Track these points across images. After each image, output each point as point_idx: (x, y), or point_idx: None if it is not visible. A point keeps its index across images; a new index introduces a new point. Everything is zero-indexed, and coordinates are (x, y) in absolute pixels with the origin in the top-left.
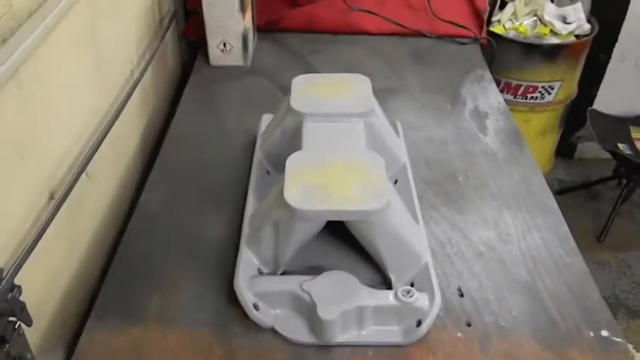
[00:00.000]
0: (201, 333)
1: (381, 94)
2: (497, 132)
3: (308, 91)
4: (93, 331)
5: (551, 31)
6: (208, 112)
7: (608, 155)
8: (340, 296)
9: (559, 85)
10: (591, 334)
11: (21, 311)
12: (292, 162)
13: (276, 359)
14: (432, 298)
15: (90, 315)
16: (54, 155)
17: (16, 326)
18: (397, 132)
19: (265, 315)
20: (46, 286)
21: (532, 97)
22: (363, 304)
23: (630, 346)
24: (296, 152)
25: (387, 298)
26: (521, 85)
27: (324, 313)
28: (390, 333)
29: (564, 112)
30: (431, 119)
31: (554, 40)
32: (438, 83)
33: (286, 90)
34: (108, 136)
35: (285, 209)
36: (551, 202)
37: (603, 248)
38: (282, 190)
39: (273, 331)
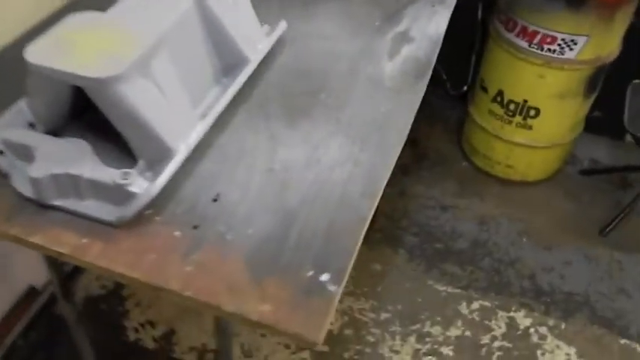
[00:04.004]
0: None
1: None
2: (406, 60)
3: None
4: None
5: None
6: None
7: None
8: (63, 160)
9: (585, 42)
10: (310, 273)
11: None
12: (70, 19)
13: None
14: (150, 187)
15: None
16: None
17: None
18: (270, 31)
19: (7, 162)
20: None
21: (549, 50)
22: (76, 172)
23: (573, 350)
24: (81, 12)
25: (105, 174)
26: (538, 32)
27: (34, 170)
28: (105, 210)
29: (592, 76)
30: (346, 32)
31: None
32: None
33: None
34: None
35: None
36: (397, 144)
37: (602, 243)
38: None
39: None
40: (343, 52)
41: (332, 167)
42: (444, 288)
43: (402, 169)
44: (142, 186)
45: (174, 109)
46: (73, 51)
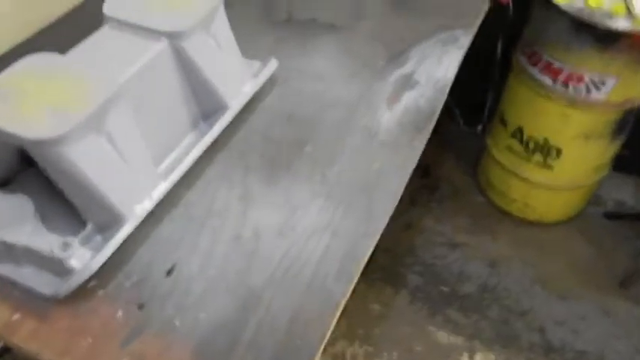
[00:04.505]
0: None
1: (315, 29)
2: (407, 110)
3: None
4: None
5: (628, 10)
6: None
7: None
8: (3, 223)
9: (614, 83)
10: None
11: None
12: (26, 62)
13: None
14: (92, 260)
15: None
16: None
17: None
18: (258, 72)
19: None
20: None
21: (575, 89)
22: (11, 240)
23: None
24: (40, 53)
25: (43, 243)
26: (563, 70)
27: None
28: (44, 280)
29: (621, 119)
30: (344, 72)
31: (620, 24)
32: (394, 33)
33: None
34: None
35: None
36: (386, 210)
37: (622, 296)
38: None
39: None
40: (338, 96)
41: (308, 237)
42: (445, 336)
43: (411, 200)
44: (84, 258)
45: (130, 168)
46: (20, 103)
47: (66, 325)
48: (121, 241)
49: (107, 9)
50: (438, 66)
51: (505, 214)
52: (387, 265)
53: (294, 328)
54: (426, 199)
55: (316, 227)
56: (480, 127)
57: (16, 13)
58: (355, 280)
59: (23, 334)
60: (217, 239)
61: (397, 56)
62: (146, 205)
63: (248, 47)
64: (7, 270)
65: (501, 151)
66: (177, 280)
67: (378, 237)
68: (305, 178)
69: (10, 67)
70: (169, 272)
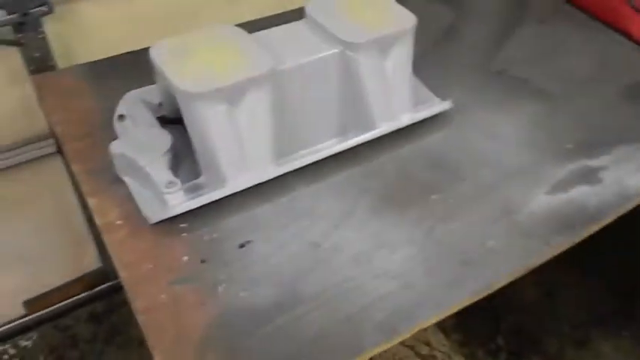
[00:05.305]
0: None
1: (522, 90)
2: (570, 204)
3: (350, 2)
4: None
5: None
6: None
7: None
8: (140, 146)
9: None
10: None
11: None
12: (213, 29)
13: None
14: (181, 205)
15: None
16: None
17: None
18: (428, 105)
19: (122, 128)
20: None
21: None
22: (141, 163)
23: None
24: (229, 25)
25: (159, 176)
26: None
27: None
28: (151, 203)
29: None
30: (524, 141)
31: None
32: (608, 122)
33: None
34: None
35: None
36: (472, 292)
37: None
38: None
39: None
40: (501, 160)
41: (378, 275)
42: None
43: (599, 315)
44: (179, 201)
45: (249, 143)
46: (187, 60)
47: (145, 246)
48: (212, 199)
49: (309, 6)
50: (636, 173)
51: None
52: None
53: (307, 349)
54: (616, 324)
55: (390, 271)
56: None
57: None
58: (395, 340)
59: (114, 237)
60: (298, 238)
61: (593, 145)
62: (249, 179)
63: (445, 86)
64: (133, 184)
65: None
66: (243, 255)
67: (445, 314)
68: (412, 222)
69: (198, 30)
70: (242, 245)
